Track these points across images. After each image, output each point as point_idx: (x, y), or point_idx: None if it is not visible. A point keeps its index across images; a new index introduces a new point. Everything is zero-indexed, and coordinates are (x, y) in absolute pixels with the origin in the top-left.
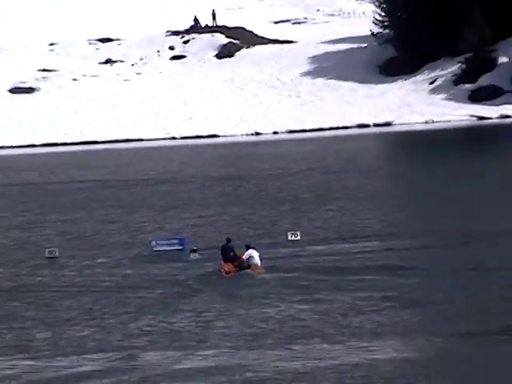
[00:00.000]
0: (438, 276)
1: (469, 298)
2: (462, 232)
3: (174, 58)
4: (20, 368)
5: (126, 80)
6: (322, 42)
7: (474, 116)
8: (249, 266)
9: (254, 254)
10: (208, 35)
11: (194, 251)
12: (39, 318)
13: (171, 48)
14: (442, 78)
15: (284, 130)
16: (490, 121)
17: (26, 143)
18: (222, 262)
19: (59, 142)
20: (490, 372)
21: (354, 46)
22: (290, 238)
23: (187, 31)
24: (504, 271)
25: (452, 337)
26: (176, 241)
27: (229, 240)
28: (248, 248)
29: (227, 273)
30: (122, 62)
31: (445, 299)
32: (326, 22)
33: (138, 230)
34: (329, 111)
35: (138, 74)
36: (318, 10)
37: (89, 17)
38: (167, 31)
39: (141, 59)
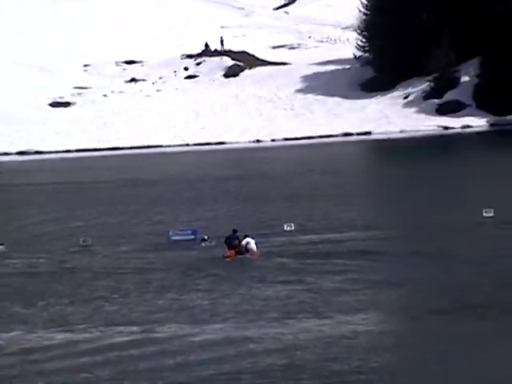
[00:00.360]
0: (411, 260)
1: (437, 279)
2: (429, 224)
3: (188, 77)
4: (57, 339)
5: (147, 96)
6: (313, 64)
7: (441, 126)
8: (247, 251)
9: (250, 241)
10: (217, 58)
11: (205, 240)
12: (74, 296)
13: (186, 69)
14: (414, 94)
15: (280, 137)
16: (453, 130)
17: (63, 149)
18: (227, 249)
19: (91, 147)
20: (457, 342)
21: (340, 67)
22: (285, 228)
23: (199, 55)
24: (464, 256)
25: (424, 313)
26: (189, 231)
27: (235, 231)
28: (246, 237)
29: (228, 257)
30: (144, 80)
31: (417, 280)
32: (316, 47)
33: (157, 222)
34: (318, 122)
35: (157, 90)
36: (309, 37)
37: (116, 42)
38: (182, 55)
39: (160, 78)
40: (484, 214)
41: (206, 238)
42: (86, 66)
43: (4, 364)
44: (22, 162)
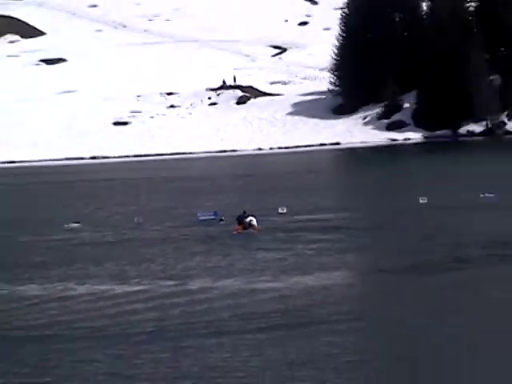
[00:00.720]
0: (371, 233)
1: (390, 246)
2: (381, 207)
3: (211, 104)
4: (118, 290)
5: (182, 117)
6: (299, 95)
7: (389, 138)
8: (250, 226)
9: (253, 219)
10: (231, 91)
11: (222, 220)
12: (130, 259)
13: (209, 98)
14: (370, 116)
15: (276, 147)
16: (398, 141)
17: (123, 155)
18: (236, 225)
19: (142, 153)
20: (406, 292)
21: (318, 97)
22: (279, 211)
23: (219, 88)
24: (410, 230)
25: (380, 271)
26: (212, 213)
27: (245, 212)
28: (249, 216)
29: (236, 230)
30: (179, 106)
31: (376, 247)
32: (301, 83)
33: (189, 207)
34: (303, 136)
35: (189, 113)
36: (296, 76)
37: (160, 78)
38: (206, 88)
39: (191, 105)
40: (420, 201)
41: (222, 218)
42: (138, 96)
43: (78, 308)
44: (94, 164)
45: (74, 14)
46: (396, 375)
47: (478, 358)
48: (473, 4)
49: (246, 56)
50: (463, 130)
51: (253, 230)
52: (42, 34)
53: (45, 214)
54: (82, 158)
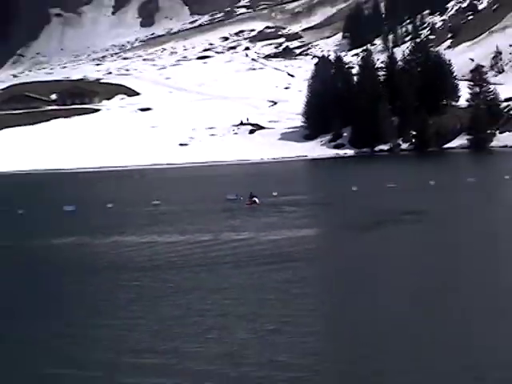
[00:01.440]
0: (325, 207)
1: (341, 213)
2: (330, 194)
3: (234, 133)
4: (178, 239)
5: (218, 141)
6: (284, 128)
7: (335, 153)
8: (255, 202)
9: (256, 198)
10: (246, 126)
11: (240, 199)
12: (186, 221)
13: (233, 130)
14: (325, 140)
15: (271, 157)
16: (340, 155)
17: (183, 162)
18: (248, 201)
19: (195, 161)
20: (354, 240)
21: (294, 130)
22: (273, 194)
23: (239, 124)
24: (347, 204)
25: (338, 227)
26: (234, 194)
27: (251, 193)
28: (254, 196)
29: (248, 205)
30: (216, 135)
31: (332, 214)
32: (285, 121)
33: (219, 191)
34: (286, 152)
35: (222, 139)
36: (282, 117)
37: (206, 118)
38: (232, 124)
39: (223, 134)
40: (352, 189)
41: (241, 197)
42: (193, 129)
43: (160, 250)
44: (169, 168)
45: (155, 82)
46: (338, 295)
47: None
48: (382, 77)
49: (254, 106)
50: (377, 148)
51: (256, 205)
52: (137, 94)
53: (143, 196)
54: (161, 164)
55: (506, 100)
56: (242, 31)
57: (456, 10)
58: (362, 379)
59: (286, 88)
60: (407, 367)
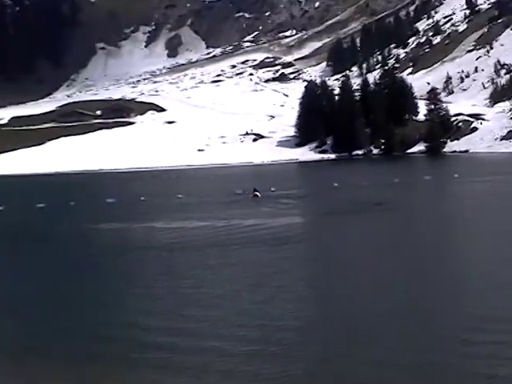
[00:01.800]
0: (310, 198)
1: (325, 204)
2: (318, 187)
3: (241, 141)
4: (199, 224)
5: (228, 148)
6: (280, 137)
7: (321, 157)
8: (257, 195)
9: (258, 193)
10: (250, 135)
11: (245, 192)
12: (203, 209)
13: (240, 139)
14: (312, 147)
15: (269, 161)
16: (324, 159)
17: (200, 163)
18: (251, 195)
19: (209, 163)
20: (337, 225)
21: (289, 139)
22: (271, 189)
23: (244, 134)
24: (333, 196)
25: (319, 214)
26: (241, 190)
27: (255, 188)
28: (256, 190)
29: (252, 197)
30: (227, 143)
31: (319, 204)
32: (281, 132)
33: (229, 187)
34: (281, 156)
35: (232, 146)
36: (279, 128)
37: (219, 130)
38: (239, 134)
39: (232, 142)
40: (334, 185)
41: (246, 192)
42: (208, 138)
43: (186, 233)
44: (189, 169)
45: (178, 101)
46: (322, 268)
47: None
48: (357, 97)
49: (256, 120)
50: (354, 153)
51: (258, 198)
52: (164, 110)
53: (169, 191)
54: (182, 166)
55: (455, 115)
56: (247, 60)
57: (416, 44)
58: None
59: (282, 105)
60: (380, 330)
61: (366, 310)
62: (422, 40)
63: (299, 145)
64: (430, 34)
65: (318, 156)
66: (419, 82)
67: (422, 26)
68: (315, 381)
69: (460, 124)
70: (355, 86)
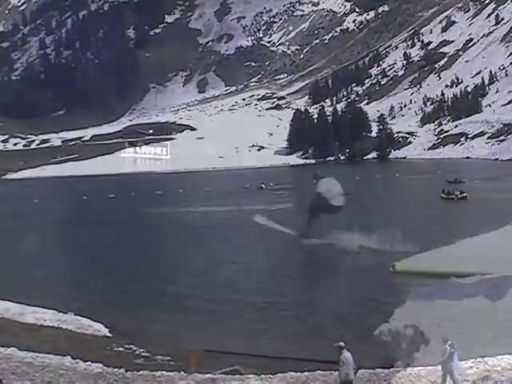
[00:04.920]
0: (302, 192)
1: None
2: (306, 184)
3: (249, 151)
4: (215, 210)
5: (242, 155)
6: (278, 148)
7: (305, 162)
8: (262, 188)
9: (263, 186)
10: (255, 147)
11: (250, 186)
12: (218, 199)
13: (249, 149)
14: (299, 154)
15: (269, 164)
16: (307, 163)
17: (221, 168)
18: (259, 187)
19: (230, 167)
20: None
21: (283, 149)
22: (270, 184)
23: (252, 146)
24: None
25: (306, 203)
26: (250, 184)
27: (261, 183)
28: (262, 184)
29: (259, 189)
30: (238, 152)
31: (308, 196)
32: (279, 144)
33: (240, 182)
34: (277, 161)
35: (244, 155)
36: (276, 142)
37: (234, 141)
38: (248, 146)
39: (243, 152)
40: (313, 181)
41: (251, 185)
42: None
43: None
44: (208, 171)
45: (205, 123)
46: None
47: None
48: (330, 120)
49: (259, 136)
50: (327, 159)
51: (262, 190)
52: (195, 129)
53: (199, 186)
54: (208, 168)
55: (397, 133)
56: (253, 95)
57: (370, 84)
58: None
59: (277, 126)
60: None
61: None
62: (374, 81)
63: (290, 153)
64: (380, 76)
65: (303, 161)
66: (372, 110)
67: (373, 71)
68: None
69: (400, 139)
70: (328, 113)
